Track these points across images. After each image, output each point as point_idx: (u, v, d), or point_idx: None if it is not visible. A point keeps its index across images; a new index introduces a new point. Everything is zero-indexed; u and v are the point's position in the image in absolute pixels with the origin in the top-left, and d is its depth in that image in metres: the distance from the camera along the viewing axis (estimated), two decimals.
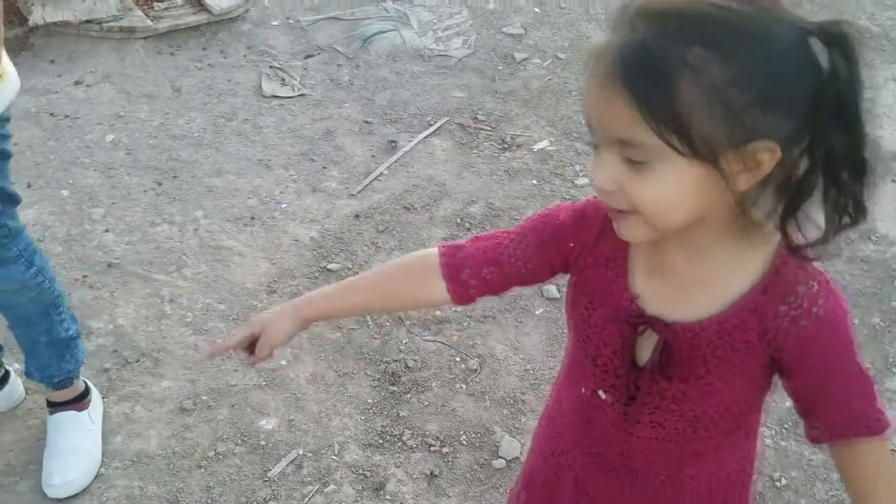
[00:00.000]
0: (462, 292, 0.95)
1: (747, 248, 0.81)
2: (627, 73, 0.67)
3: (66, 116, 2.74)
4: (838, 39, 0.68)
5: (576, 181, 2.62)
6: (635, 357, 0.87)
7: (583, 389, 0.93)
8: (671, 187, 0.71)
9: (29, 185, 2.42)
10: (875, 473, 0.85)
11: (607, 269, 0.87)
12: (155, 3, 3.15)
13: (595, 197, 0.88)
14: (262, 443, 1.80)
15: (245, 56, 3.11)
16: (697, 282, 0.83)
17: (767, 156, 0.70)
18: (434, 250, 0.96)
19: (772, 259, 0.81)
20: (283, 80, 3.02)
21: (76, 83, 2.89)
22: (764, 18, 0.67)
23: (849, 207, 0.74)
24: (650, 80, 0.66)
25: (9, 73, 1.40)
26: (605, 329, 0.87)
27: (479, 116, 2.89)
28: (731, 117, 0.66)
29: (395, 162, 2.66)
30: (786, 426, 1.88)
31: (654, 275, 0.85)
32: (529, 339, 2.08)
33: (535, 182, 2.61)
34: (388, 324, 2.11)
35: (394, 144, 2.74)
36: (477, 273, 0.94)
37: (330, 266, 2.27)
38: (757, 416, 0.94)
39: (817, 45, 0.68)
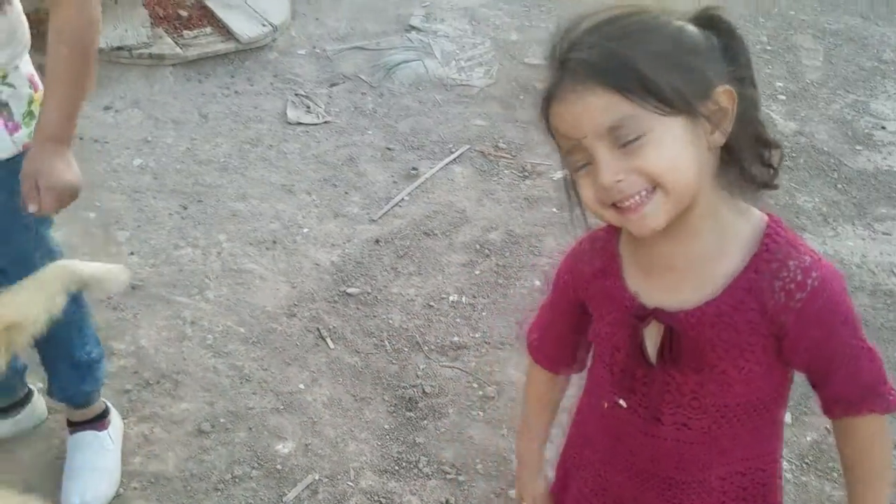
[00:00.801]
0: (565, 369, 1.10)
1: (731, 230, 0.87)
2: (599, 73, 0.79)
3: (96, 140, 2.80)
4: (710, 21, 0.85)
5: None
6: (647, 357, 0.91)
7: (605, 404, 0.97)
8: (670, 146, 0.80)
9: None
10: (872, 446, 0.90)
11: (605, 279, 0.94)
12: (184, 31, 3.23)
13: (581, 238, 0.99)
14: (279, 467, 1.80)
15: (271, 84, 3.17)
16: (690, 270, 0.88)
17: (726, 97, 0.82)
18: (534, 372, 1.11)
19: (759, 238, 0.86)
20: (308, 107, 3.07)
21: (105, 108, 2.96)
22: (651, 13, 0.85)
23: (765, 139, 0.86)
24: (618, 68, 0.79)
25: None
26: (616, 333, 0.93)
27: (500, 144, 2.91)
28: (684, 71, 0.81)
29: (416, 188, 2.68)
30: (806, 461, 1.85)
31: (649, 272, 0.91)
32: None
33: (555, 210, 2.62)
34: (405, 349, 2.11)
35: (415, 171, 2.76)
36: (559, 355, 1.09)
37: (349, 290, 2.28)
38: (781, 412, 0.96)
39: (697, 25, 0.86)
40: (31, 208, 1.37)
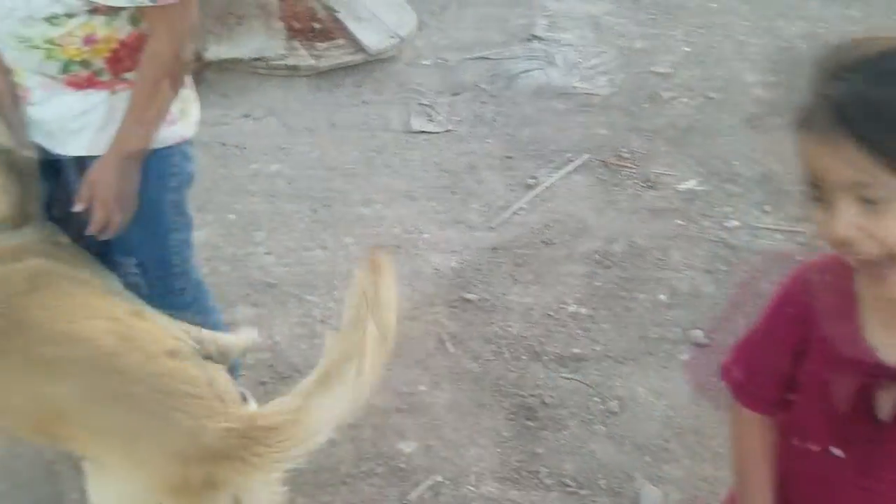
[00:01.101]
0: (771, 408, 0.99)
1: None
2: (854, 122, 0.71)
3: (235, 146, 2.99)
4: None
5: (725, 223, 2.54)
6: (875, 412, 0.85)
7: (813, 447, 0.92)
8: None
9: (199, 209, 2.64)
10: None
11: (838, 321, 0.86)
12: (317, 43, 3.39)
13: (804, 260, 0.90)
14: (402, 465, 1.85)
15: (396, 94, 3.27)
16: None
17: None
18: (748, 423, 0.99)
19: None
20: (431, 116, 3.15)
21: (245, 116, 3.15)
22: None
23: None
24: (880, 125, 0.70)
25: (192, 101, 1.58)
26: (843, 384, 0.86)
27: (622, 154, 2.87)
28: None
29: (535, 197, 2.69)
30: None
31: (890, 325, 0.83)
32: (673, 384, 2.02)
33: (680, 222, 2.55)
34: (524, 358, 2.12)
35: (534, 180, 2.77)
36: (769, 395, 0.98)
37: (468, 296, 2.31)
38: None
39: None
40: (78, 208, 1.45)
